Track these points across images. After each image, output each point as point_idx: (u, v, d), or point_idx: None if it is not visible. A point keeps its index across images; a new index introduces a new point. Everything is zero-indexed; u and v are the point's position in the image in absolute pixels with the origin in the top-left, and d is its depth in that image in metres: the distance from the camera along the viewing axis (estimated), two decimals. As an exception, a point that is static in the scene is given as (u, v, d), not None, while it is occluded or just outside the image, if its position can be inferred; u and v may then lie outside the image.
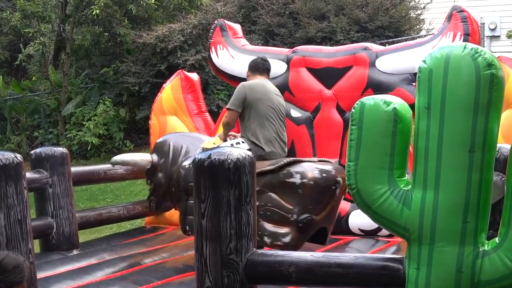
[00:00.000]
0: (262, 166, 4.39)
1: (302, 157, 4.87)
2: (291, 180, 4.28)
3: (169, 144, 4.75)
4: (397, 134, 2.66)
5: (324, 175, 4.34)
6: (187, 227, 4.48)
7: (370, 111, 2.69)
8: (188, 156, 4.64)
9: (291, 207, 4.28)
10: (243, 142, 4.81)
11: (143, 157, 4.76)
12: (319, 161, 4.51)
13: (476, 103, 2.51)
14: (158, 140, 4.92)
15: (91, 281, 4.02)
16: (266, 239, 4.31)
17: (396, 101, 2.70)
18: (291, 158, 4.49)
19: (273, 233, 4.30)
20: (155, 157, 4.74)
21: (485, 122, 2.52)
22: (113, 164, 4.80)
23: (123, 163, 4.79)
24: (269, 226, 4.32)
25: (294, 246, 4.30)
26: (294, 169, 4.33)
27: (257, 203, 4.17)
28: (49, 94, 14.58)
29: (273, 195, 4.34)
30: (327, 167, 4.43)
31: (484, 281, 2.54)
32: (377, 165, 2.68)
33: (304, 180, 4.28)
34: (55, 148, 5.14)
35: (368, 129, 2.69)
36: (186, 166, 4.57)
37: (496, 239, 2.56)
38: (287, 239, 4.27)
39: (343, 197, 4.60)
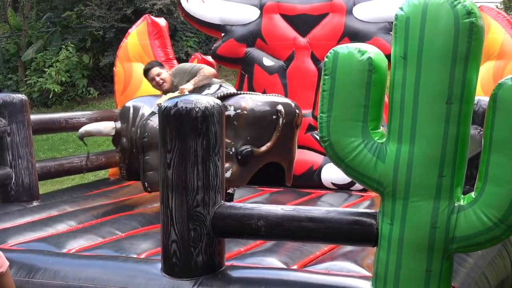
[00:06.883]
0: None
1: None
2: (226, 113, 4.10)
3: (130, 108, 4.63)
4: (371, 85, 2.56)
5: (260, 104, 4.23)
6: (146, 183, 4.34)
7: (344, 60, 2.58)
8: (143, 115, 4.52)
9: (228, 140, 4.15)
10: (221, 86, 4.67)
11: (106, 125, 4.65)
12: (268, 95, 4.47)
13: (454, 53, 2.42)
14: (123, 106, 4.81)
15: (51, 233, 3.88)
16: None
17: (371, 50, 2.59)
18: (225, 91, 4.43)
19: None
20: (118, 124, 4.63)
21: (463, 72, 2.43)
22: (80, 138, 4.69)
23: (88, 134, 4.66)
24: None
25: (236, 181, 4.26)
26: (227, 102, 4.21)
27: None
28: (8, 38, 14.15)
29: None
30: (268, 98, 4.34)
31: (458, 237, 2.49)
32: (350, 117, 2.58)
33: (238, 111, 4.19)
34: (13, 95, 4.91)
35: (341, 79, 2.59)
36: (140, 123, 4.46)
37: (472, 194, 2.51)
38: (228, 174, 4.14)
39: (297, 130, 4.50)
